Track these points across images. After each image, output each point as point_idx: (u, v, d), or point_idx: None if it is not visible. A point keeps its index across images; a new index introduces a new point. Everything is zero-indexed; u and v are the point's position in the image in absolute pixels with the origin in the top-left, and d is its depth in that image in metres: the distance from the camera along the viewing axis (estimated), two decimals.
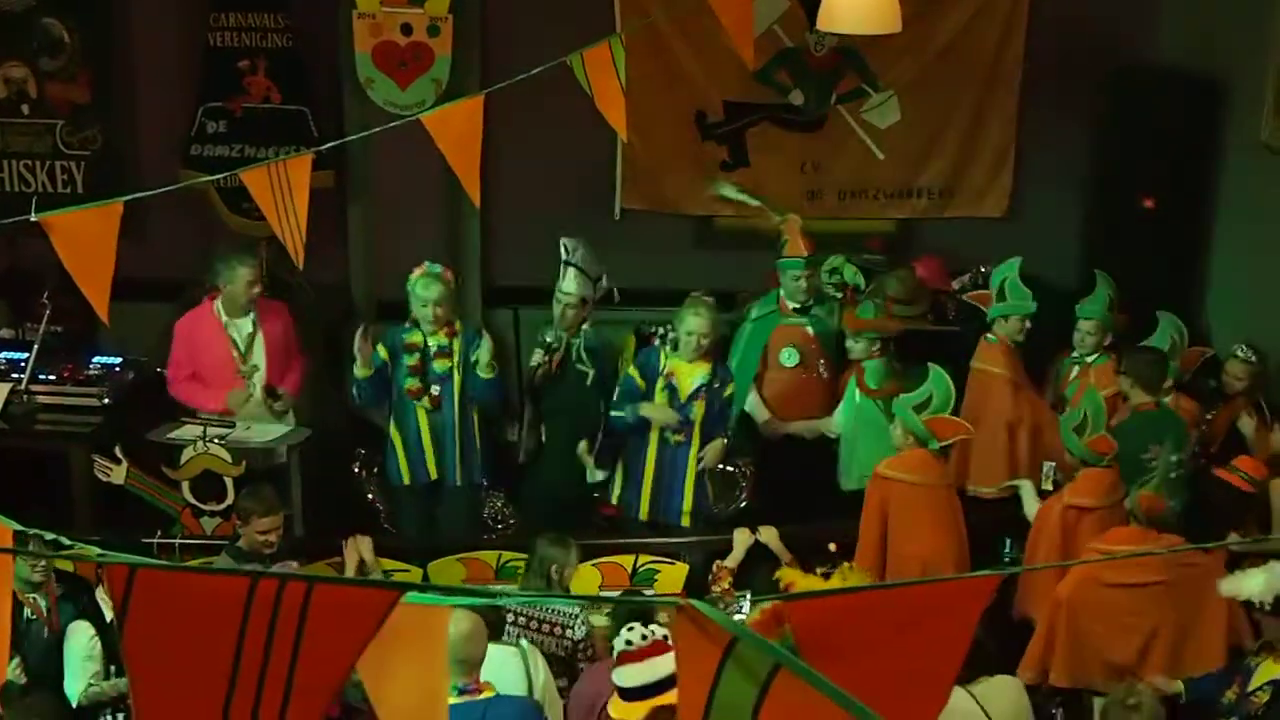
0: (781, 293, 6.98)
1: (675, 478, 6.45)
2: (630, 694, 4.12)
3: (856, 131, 8.43)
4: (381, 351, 6.48)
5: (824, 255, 7.19)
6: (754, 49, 5.86)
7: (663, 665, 4.07)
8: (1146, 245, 7.65)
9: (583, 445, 6.64)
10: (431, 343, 6.45)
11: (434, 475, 6.54)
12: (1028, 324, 6.58)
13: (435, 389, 6.45)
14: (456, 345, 6.47)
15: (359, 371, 6.40)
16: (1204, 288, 7.96)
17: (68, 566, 5.56)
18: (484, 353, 6.40)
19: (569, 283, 6.57)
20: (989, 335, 6.70)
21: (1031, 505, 6.07)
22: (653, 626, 4.17)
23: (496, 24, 8.06)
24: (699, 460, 6.42)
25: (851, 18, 5.94)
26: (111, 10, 8.16)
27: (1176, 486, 6.01)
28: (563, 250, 6.77)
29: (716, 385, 6.42)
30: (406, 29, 7.69)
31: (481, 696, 4.40)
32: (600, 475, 6.69)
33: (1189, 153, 7.77)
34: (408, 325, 6.49)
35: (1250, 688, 4.88)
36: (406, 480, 6.58)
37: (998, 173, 8.48)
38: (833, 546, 5.78)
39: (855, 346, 6.73)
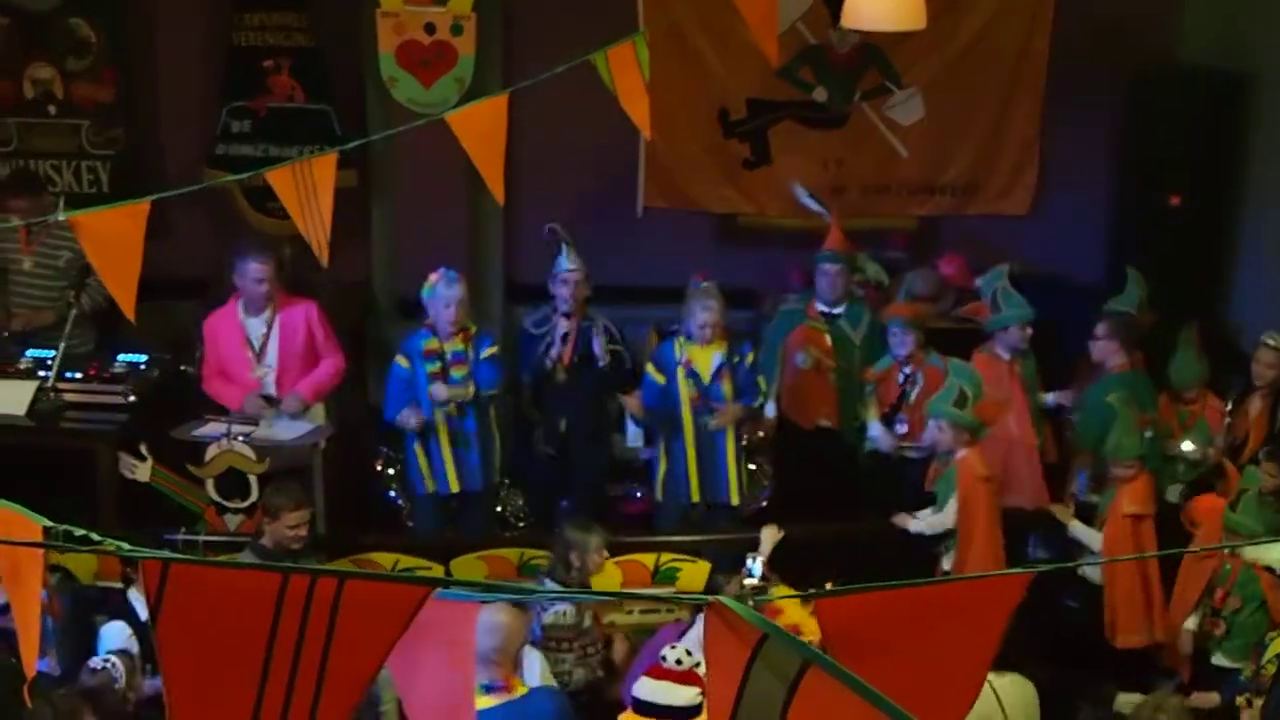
0: (815, 292, 6.97)
1: (717, 458, 6.49)
2: (640, 707, 4.12)
3: (879, 128, 8.41)
4: (402, 361, 6.49)
5: (836, 256, 7.14)
6: (777, 46, 5.87)
7: (680, 694, 4.05)
8: (1172, 242, 7.62)
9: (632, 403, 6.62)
10: (448, 349, 6.44)
11: (455, 487, 6.53)
12: (1029, 330, 6.53)
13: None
14: (471, 351, 6.47)
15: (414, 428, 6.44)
16: (1231, 284, 7.92)
17: (68, 562, 5.61)
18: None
19: (571, 260, 6.58)
20: (984, 348, 6.65)
21: (1082, 530, 6.09)
22: (696, 656, 4.15)
23: (520, 22, 8.07)
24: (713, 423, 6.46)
25: (875, 14, 5.94)
26: (137, 10, 8.20)
27: (1151, 448, 6.07)
28: (549, 234, 6.76)
29: (736, 360, 6.46)
30: (430, 28, 7.70)
31: (515, 695, 4.39)
32: (637, 443, 6.69)
33: (1214, 149, 7.73)
34: (424, 331, 6.49)
35: (1263, 661, 4.97)
36: (431, 488, 6.58)
37: (1021, 170, 8.45)
38: (829, 585, 5.77)
39: (895, 339, 6.69)
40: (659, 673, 4.12)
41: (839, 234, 6.96)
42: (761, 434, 6.87)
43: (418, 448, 6.54)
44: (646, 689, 4.13)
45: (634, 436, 6.95)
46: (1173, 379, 6.52)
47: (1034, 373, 6.67)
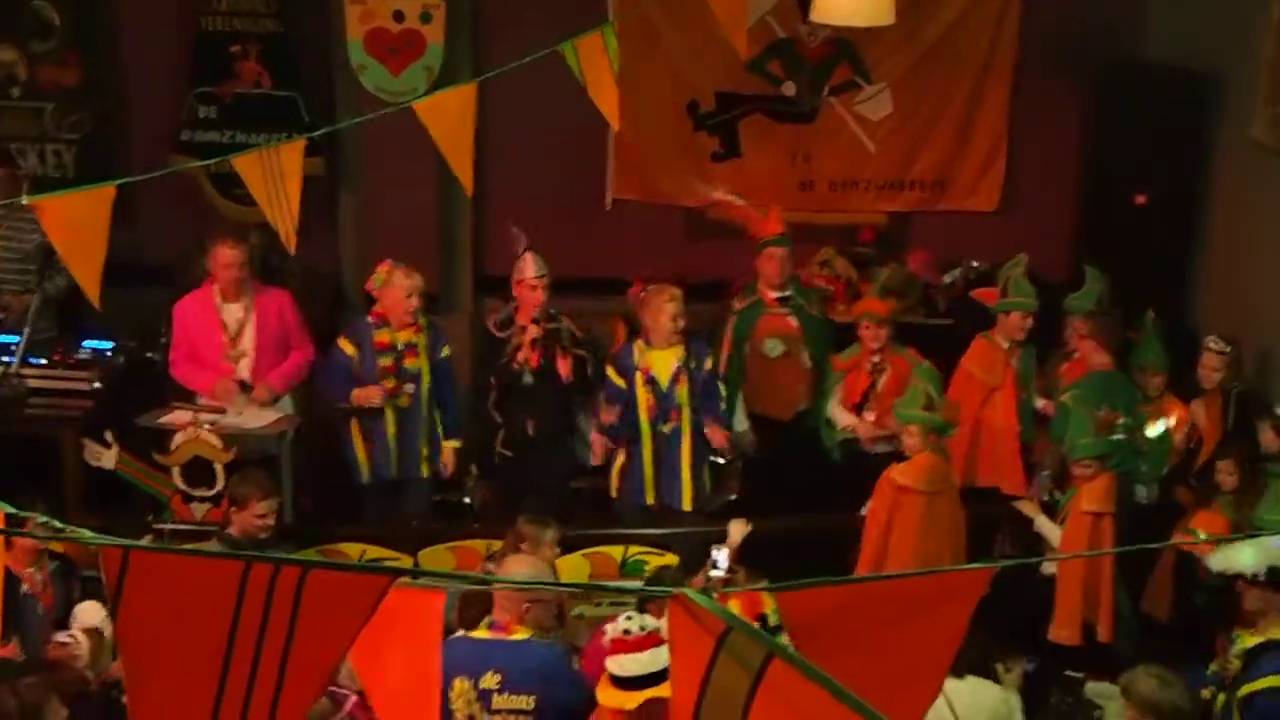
0: (760, 281, 6.95)
1: (673, 463, 6.48)
2: (625, 683, 4.16)
3: (849, 123, 8.43)
4: (348, 347, 6.47)
5: (785, 239, 7.11)
6: (747, 40, 5.87)
7: (659, 657, 4.10)
8: (1137, 240, 7.67)
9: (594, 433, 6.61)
10: (399, 340, 6.43)
11: (395, 473, 6.53)
12: (1029, 321, 6.58)
13: (409, 387, 6.44)
14: (423, 342, 6.46)
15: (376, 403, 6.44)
16: (1194, 283, 7.98)
17: (57, 547, 5.58)
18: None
19: (537, 266, 6.56)
20: (985, 334, 6.70)
21: (1045, 524, 6.13)
22: (648, 619, 4.20)
23: (489, 11, 8.05)
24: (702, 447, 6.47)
25: (845, 9, 5.96)
26: None
27: (1132, 449, 6.12)
28: (515, 235, 6.73)
29: (694, 363, 6.45)
30: (399, 16, 7.67)
31: (511, 637, 4.47)
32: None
33: (1180, 148, 7.78)
34: (372, 321, 6.47)
35: (1230, 655, 5.03)
36: (366, 478, 6.57)
37: (989, 166, 8.49)
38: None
39: (868, 333, 6.70)
40: (625, 646, 4.16)
41: (778, 220, 6.98)
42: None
43: (356, 435, 6.53)
44: (619, 665, 4.17)
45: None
46: (1134, 363, 6.56)
47: (1032, 366, 6.71)
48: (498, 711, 4.41)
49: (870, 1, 5.92)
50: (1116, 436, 6.12)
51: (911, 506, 5.89)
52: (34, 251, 7.00)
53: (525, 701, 4.42)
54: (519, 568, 4.69)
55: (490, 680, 4.42)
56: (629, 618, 4.19)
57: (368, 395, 6.42)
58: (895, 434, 6.55)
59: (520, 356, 6.51)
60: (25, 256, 7.08)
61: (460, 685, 4.42)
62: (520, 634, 4.50)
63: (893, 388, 6.63)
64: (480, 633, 4.51)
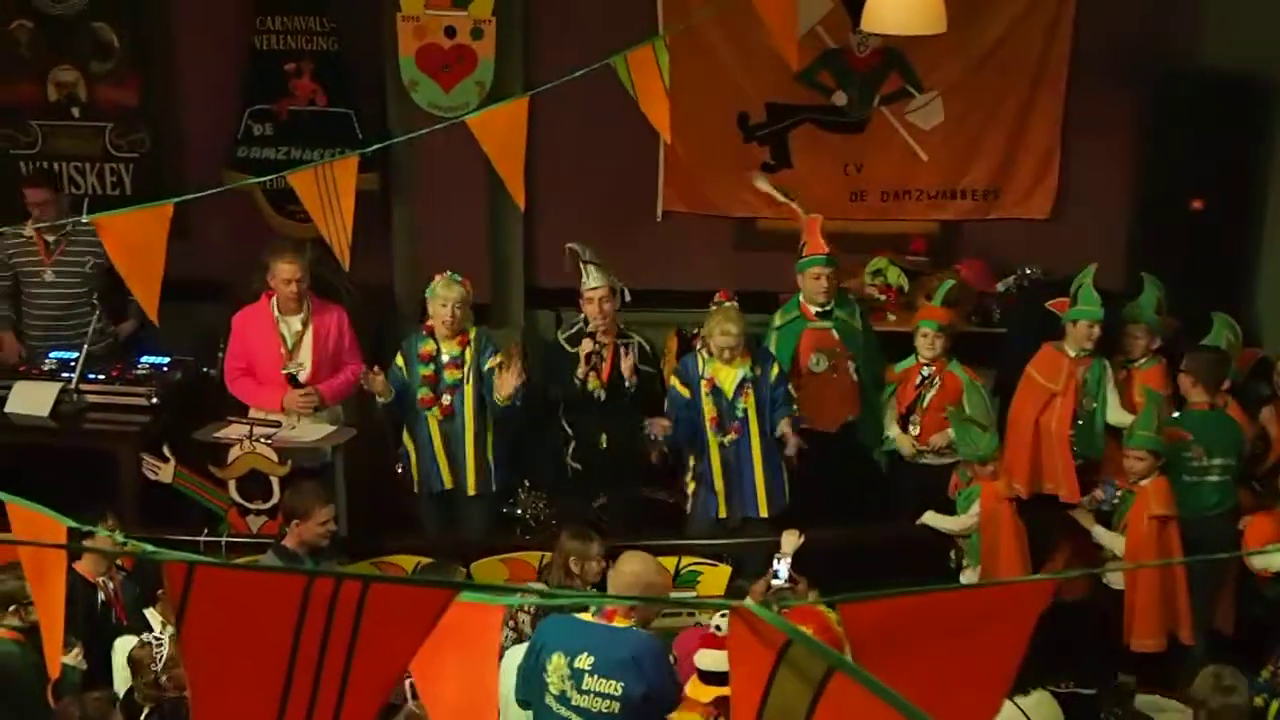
0: (801, 296, 6.91)
1: (744, 472, 6.46)
2: (707, 677, 4.30)
3: (900, 133, 8.38)
4: (399, 361, 6.50)
5: (836, 257, 7.04)
6: (797, 50, 5.86)
7: None
8: (1194, 248, 7.58)
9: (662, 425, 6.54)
10: (444, 350, 6.45)
11: (448, 484, 6.52)
12: (1096, 331, 6.51)
13: (446, 399, 6.44)
14: (468, 355, 6.46)
15: (382, 399, 6.42)
16: (1253, 291, 7.88)
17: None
18: (505, 385, 6.32)
19: (593, 278, 6.56)
20: (1057, 342, 6.64)
21: (1104, 534, 6.08)
22: None
23: (540, 26, 8.08)
24: (779, 448, 6.44)
25: (896, 18, 5.93)
26: (160, 14, 8.24)
27: (1222, 490, 6.03)
28: (569, 254, 6.71)
29: (759, 373, 6.43)
30: (450, 31, 7.72)
31: (611, 623, 4.59)
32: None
33: (1237, 154, 7.69)
34: (422, 334, 6.50)
35: None
36: (416, 489, 6.58)
37: (1043, 174, 8.41)
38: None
39: (924, 340, 6.66)
40: (715, 642, 4.28)
41: (818, 241, 6.90)
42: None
43: (407, 440, 6.55)
44: (709, 660, 4.30)
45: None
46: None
47: (1101, 379, 6.57)
48: (587, 692, 4.53)
49: (921, 10, 5.89)
50: (1212, 478, 6.06)
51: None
52: (91, 273, 7.12)
53: (614, 687, 4.52)
54: (634, 565, 4.76)
55: (584, 661, 4.54)
56: (724, 615, 4.27)
57: (370, 380, 6.33)
58: (939, 449, 6.55)
59: (579, 371, 6.50)
60: (82, 279, 7.19)
61: (557, 660, 4.56)
62: (621, 623, 4.60)
63: (939, 403, 6.58)
64: (586, 615, 4.64)
